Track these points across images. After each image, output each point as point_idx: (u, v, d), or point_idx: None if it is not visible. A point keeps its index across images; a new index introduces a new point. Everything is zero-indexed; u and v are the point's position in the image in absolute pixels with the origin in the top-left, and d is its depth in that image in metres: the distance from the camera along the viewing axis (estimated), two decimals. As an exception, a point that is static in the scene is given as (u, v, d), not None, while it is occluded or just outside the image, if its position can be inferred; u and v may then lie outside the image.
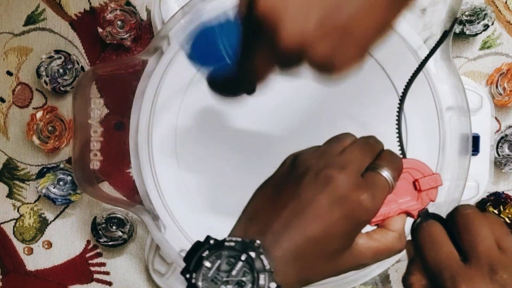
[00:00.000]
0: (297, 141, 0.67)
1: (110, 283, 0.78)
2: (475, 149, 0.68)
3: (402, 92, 0.54)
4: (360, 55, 0.40)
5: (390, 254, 0.44)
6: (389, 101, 0.65)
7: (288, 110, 0.68)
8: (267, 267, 0.38)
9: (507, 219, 0.73)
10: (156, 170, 0.66)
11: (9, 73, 0.77)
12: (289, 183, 0.44)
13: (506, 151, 0.74)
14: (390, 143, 0.66)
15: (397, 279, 0.77)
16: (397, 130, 0.54)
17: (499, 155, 0.74)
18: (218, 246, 0.39)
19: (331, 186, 0.41)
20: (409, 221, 0.47)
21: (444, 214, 0.47)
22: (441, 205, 0.63)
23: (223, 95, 0.50)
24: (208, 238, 0.40)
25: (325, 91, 0.67)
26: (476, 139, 0.69)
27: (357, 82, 0.66)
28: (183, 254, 0.65)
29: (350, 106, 0.67)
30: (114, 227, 0.75)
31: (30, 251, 0.78)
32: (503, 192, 0.76)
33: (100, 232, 0.75)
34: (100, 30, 0.73)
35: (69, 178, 0.75)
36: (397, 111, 0.54)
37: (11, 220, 0.78)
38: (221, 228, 0.66)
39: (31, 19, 0.76)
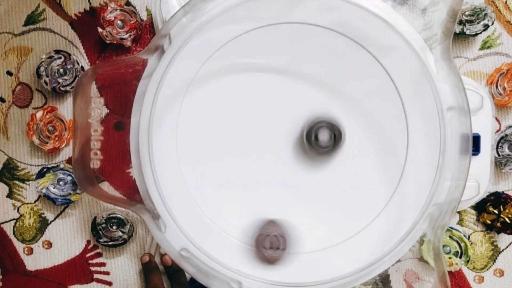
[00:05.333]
0: (297, 140, 0.68)
1: (110, 283, 0.78)
2: (476, 149, 0.69)
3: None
4: None
5: None
6: (391, 102, 0.66)
7: (287, 110, 0.68)
8: None
9: (507, 219, 0.73)
10: (157, 169, 0.65)
11: (9, 73, 0.77)
12: None
13: (506, 151, 0.74)
14: (393, 141, 0.66)
15: (397, 279, 0.77)
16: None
17: (499, 155, 0.74)
18: None
19: None
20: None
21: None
22: (442, 205, 0.63)
23: None
24: None
25: (326, 92, 0.67)
26: (476, 139, 0.69)
27: (358, 83, 0.67)
28: (184, 253, 0.65)
29: (353, 109, 0.67)
30: (114, 227, 0.75)
31: (30, 251, 0.78)
32: (503, 192, 0.76)
33: (100, 232, 0.75)
34: (100, 30, 0.73)
35: (69, 178, 0.75)
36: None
37: (11, 220, 0.78)
38: (222, 226, 0.67)
39: (31, 19, 0.76)
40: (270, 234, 0.65)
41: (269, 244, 0.65)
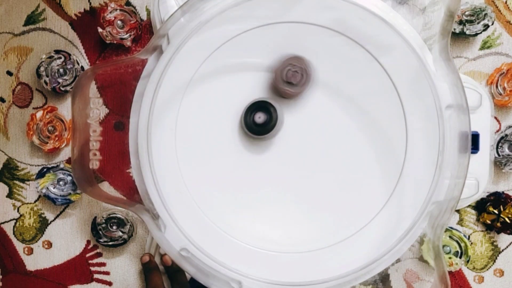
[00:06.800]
0: (298, 139, 0.68)
1: (110, 283, 0.78)
2: (475, 147, 0.69)
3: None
4: None
5: None
6: (390, 101, 0.65)
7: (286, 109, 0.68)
8: None
9: (507, 219, 0.73)
10: (156, 169, 0.66)
11: (9, 73, 0.77)
12: None
13: (506, 151, 0.74)
14: (392, 140, 0.66)
15: (397, 279, 0.77)
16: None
17: (499, 155, 0.74)
18: None
19: None
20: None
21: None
22: (441, 203, 0.63)
23: None
24: None
25: (325, 91, 0.67)
26: (475, 137, 0.69)
27: (357, 82, 0.67)
28: (183, 253, 0.65)
29: (352, 108, 0.67)
30: (114, 227, 0.75)
31: (30, 251, 0.78)
32: (503, 192, 0.76)
33: (100, 232, 0.75)
34: (100, 30, 0.73)
35: (69, 178, 0.75)
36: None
37: (11, 220, 0.78)
38: (221, 226, 0.67)
39: (31, 19, 0.76)
40: (293, 69, 0.64)
41: (292, 78, 0.64)
